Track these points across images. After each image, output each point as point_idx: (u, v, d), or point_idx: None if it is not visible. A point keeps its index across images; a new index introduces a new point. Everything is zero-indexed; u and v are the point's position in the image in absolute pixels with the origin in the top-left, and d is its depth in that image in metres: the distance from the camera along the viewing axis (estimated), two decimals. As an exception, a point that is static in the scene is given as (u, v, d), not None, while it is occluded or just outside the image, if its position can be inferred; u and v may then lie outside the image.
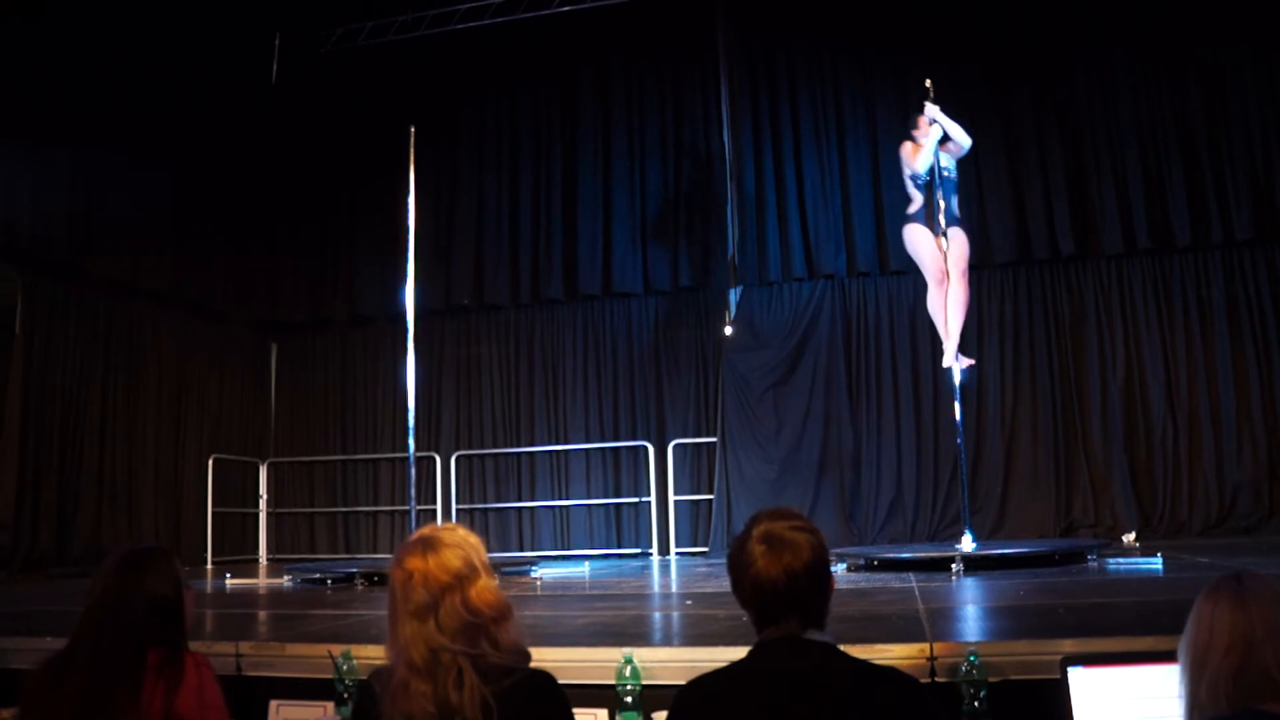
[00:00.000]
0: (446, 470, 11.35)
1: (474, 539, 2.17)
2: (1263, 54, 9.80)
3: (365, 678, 2.36)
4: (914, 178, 7.74)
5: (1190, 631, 1.88)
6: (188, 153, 10.65)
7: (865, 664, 2.19)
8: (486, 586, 2.10)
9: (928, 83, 7.75)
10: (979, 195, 10.26)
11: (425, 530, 2.17)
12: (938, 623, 4.19)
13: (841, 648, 2.19)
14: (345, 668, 3.62)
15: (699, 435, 10.84)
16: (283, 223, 12.19)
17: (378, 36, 11.73)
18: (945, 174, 7.64)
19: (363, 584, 7.35)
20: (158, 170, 10.29)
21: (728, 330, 10.89)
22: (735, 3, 11.04)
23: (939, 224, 7.54)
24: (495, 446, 11.45)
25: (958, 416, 7.69)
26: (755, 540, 2.15)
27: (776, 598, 2.10)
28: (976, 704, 3.14)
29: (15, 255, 9.07)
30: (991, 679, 3.18)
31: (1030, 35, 10.33)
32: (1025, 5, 10.34)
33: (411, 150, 8.23)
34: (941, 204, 7.52)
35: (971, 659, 3.19)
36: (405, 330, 8.03)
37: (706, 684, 2.16)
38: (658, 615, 5.30)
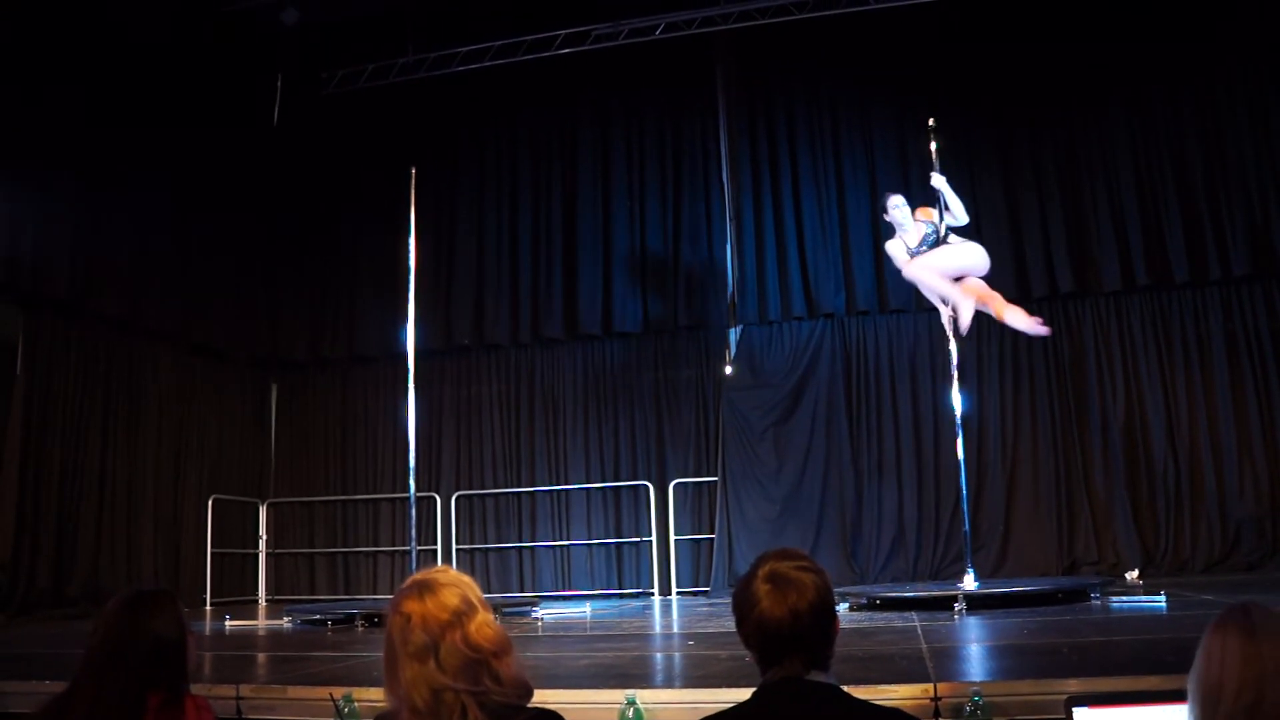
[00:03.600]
0: (447, 510, 11.33)
1: (467, 578, 2.17)
2: (1258, 91, 9.90)
3: (368, 721, 2.36)
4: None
5: (1199, 667, 1.79)
6: (189, 192, 10.71)
7: (869, 705, 2.18)
8: (485, 621, 2.09)
9: (930, 122, 7.81)
10: (977, 232, 10.29)
11: (418, 575, 2.17)
12: (941, 662, 4.17)
13: (845, 689, 2.18)
14: (347, 710, 3.60)
15: (700, 475, 10.82)
16: (284, 262, 12.24)
17: (379, 78, 11.82)
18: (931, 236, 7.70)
19: (363, 625, 7.31)
20: (159, 210, 10.34)
21: (728, 369, 10.91)
22: (734, 43, 11.15)
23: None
24: (496, 486, 11.43)
25: (959, 454, 7.69)
26: (760, 579, 2.15)
27: (780, 638, 2.09)
28: (981, 745, 3.13)
29: (16, 293, 9.10)
30: (996, 719, 3.16)
31: (1028, 74, 10.42)
32: (1024, 46, 10.43)
33: (413, 190, 8.29)
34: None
35: (976, 699, 3.18)
36: (406, 370, 8.04)
37: (711, 726, 2.15)
38: (660, 656, 5.28)
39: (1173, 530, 9.60)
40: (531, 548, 11.19)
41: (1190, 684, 1.80)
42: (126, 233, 10.02)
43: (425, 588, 2.10)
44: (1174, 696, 2.28)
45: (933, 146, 7.76)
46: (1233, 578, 8.79)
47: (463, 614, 2.06)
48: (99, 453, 9.78)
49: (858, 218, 10.67)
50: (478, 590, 2.14)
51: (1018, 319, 7.63)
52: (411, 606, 2.06)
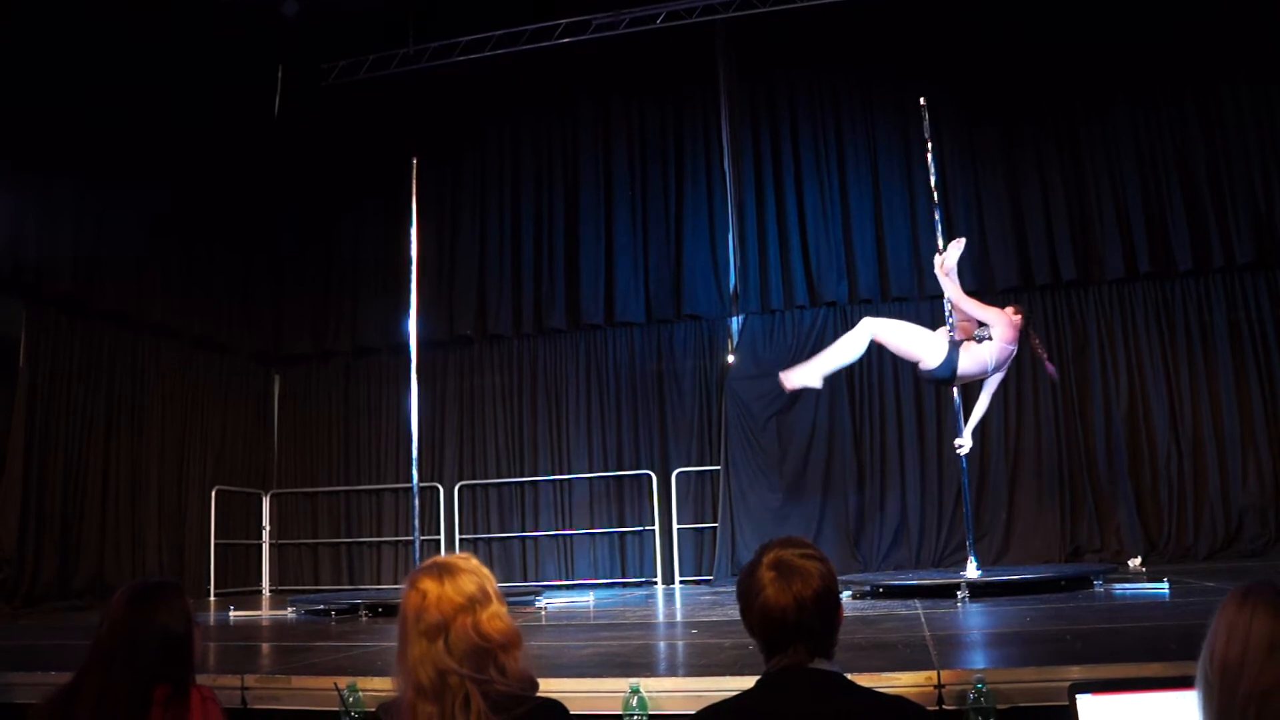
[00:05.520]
0: (450, 500, 11.34)
1: (486, 570, 2.20)
2: (1259, 78, 9.87)
3: (372, 710, 2.37)
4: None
5: (1218, 644, 1.66)
6: (191, 186, 10.71)
7: (873, 693, 2.18)
8: (498, 613, 2.11)
9: (921, 101, 7.81)
10: (980, 220, 10.32)
11: (440, 557, 2.20)
12: (945, 650, 4.17)
13: (849, 677, 2.18)
14: (351, 700, 3.61)
15: (702, 464, 10.83)
16: (285, 254, 12.25)
17: (380, 69, 11.82)
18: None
19: (367, 615, 7.33)
20: (161, 204, 10.33)
21: (730, 358, 10.91)
22: (735, 32, 11.13)
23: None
24: (499, 476, 11.44)
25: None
26: (765, 567, 2.15)
27: (785, 626, 2.10)
28: (985, 732, 3.14)
29: (20, 288, 9.10)
30: (1000, 706, 3.17)
31: (1031, 63, 10.40)
32: (1026, 33, 10.41)
33: (414, 181, 8.29)
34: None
35: (979, 686, 3.18)
36: (408, 361, 8.05)
37: (715, 715, 2.16)
38: (663, 645, 5.28)
39: (1175, 518, 9.61)
40: (534, 537, 11.21)
41: (1204, 661, 1.69)
42: (128, 227, 10.01)
43: (445, 570, 2.13)
44: (1177, 683, 2.28)
45: (925, 124, 7.77)
46: (1235, 565, 8.79)
47: (477, 602, 2.09)
48: (103, 446, 9.80)
49: (860, 206, 10.66)
50: (495, 584, 2.17)
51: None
52: (428, 585, 2.09)
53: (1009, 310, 7.34)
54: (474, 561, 2.19)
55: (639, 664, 4.20)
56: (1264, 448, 9.49)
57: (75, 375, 9.58)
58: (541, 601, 7.99)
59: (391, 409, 11.68)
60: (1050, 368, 7.58)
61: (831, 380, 10.51)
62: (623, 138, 11.51)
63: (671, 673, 4.03)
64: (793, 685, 2.10)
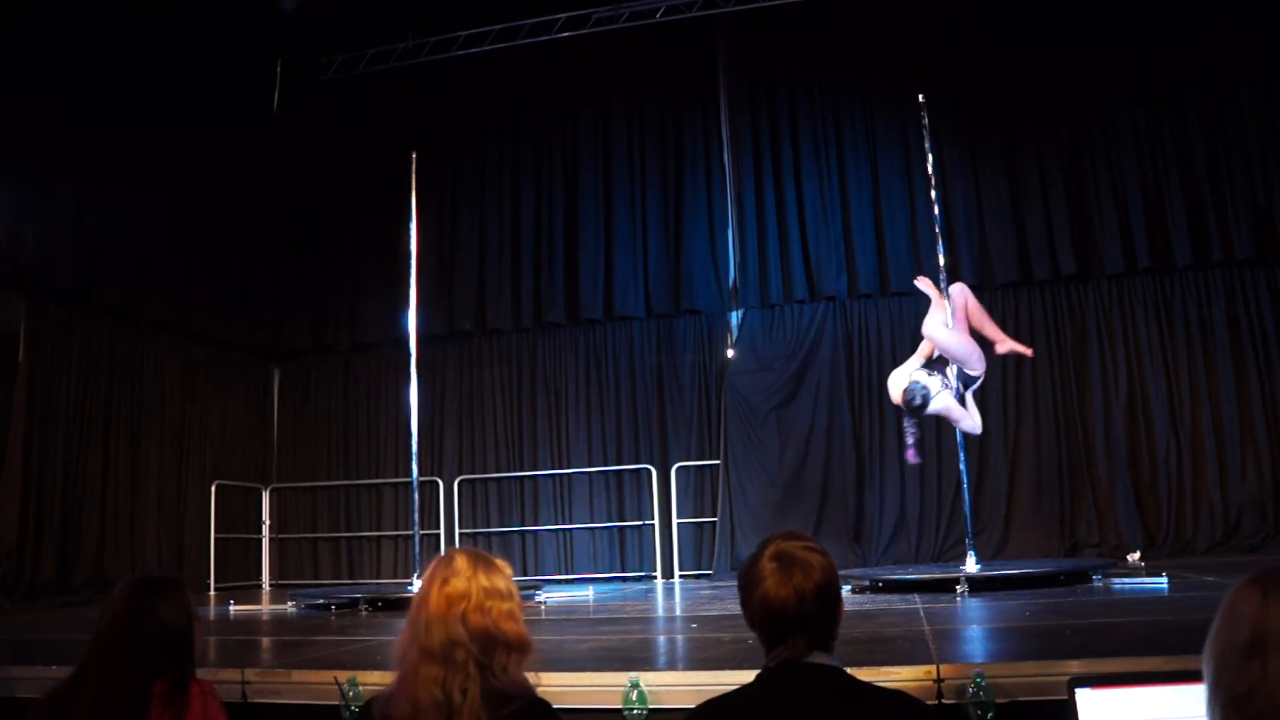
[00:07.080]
0: (450, 494, 11.34)
1: (516, 587, 2.27)
2: (1259, 73, 9.86)
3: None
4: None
5: (1214, 629, 1.56)
6: (191, 181, 10.69)
7: (872, 687, 2.19)
8: (515, 615, 2.20)
9: (920, 98, 7.80)
10: (979, 216, 10.32)
11: (486, 553, 2.27)
12: (944, 644, 4.18)
13: (848, 670, 2.19)
14: (351, 694, 3.62)
15: (702, 458, 10.83)
16: (285, 249, 12.24)
17: (379, 63, 11.80)
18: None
19: (367, 610, 7.33)
20: (161, 199, 10.31)
21: (730, 353, 10.91)
22: (735, 27, 11.12)
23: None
24: (498, 471, 11.44)
25: (960, 437, 7.68)
26: (767, 559, 2.16)
27: (785, 617, 2.11)
28: (984, 726, 3.14)
29: (20, 284, 9.10)
30: (999, 700, 3.18)
31: (1029, 58, 10.38)
32: (1024, 29, 10.39)
33: (413, 176, 8.28)
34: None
35: (979, 680, 3.19)
36: (408, 355, 8.05)
37: (715, 709, 2.16)
38: (663, 639, 5.29)
39: (1175, 512, 9.61)
40: (534, 531, 11.21)
41: (1205, 648, 1.58)
42: (128, 222, 10.00)
43: (483, 560, 2.22)
44: (1176, 677, 2.29)
45: (924, 121, 7.77)
46: (1235, 559, 8.79)
47: (501, 596, 2.17)
48: (102, 441, 9.80)
49: (859, 201, 10.65)
50: (520, 603, 2.24)
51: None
52: (463, 564, 2.18)
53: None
54: (512, 579, 2.27)
55: (639, 658, 4.21)
56: (1263, 443, 9.49)
57: (75, 370, 9.57)
58: (541, 596, 8.00)
59: (391, 403, 11.68)
60: (910, 453, 6.93)
61: (831, 374, 10.59)
62: (622, 132, 11.50)
63: (671, 667, 4.04)
64: (793, 680, 2.11)
